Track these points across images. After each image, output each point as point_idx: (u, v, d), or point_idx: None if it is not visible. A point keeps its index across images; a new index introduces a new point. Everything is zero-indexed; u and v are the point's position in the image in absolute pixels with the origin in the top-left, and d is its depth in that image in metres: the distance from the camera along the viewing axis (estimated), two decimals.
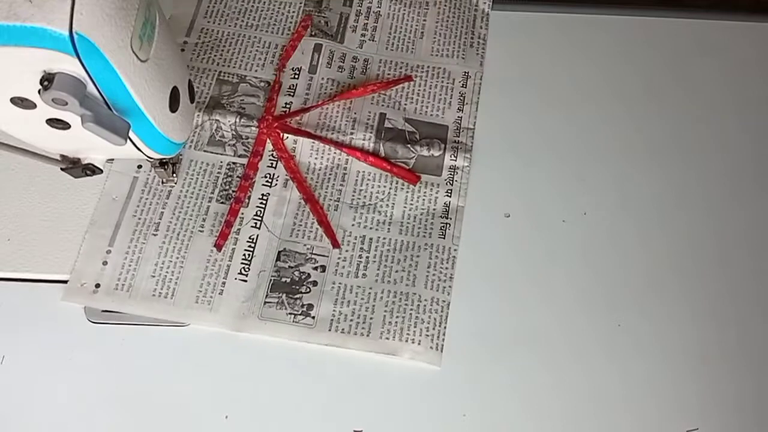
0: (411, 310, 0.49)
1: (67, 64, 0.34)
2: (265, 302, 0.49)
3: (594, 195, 0.55)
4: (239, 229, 0.51)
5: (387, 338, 0.49)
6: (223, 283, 0.50)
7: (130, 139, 0.42)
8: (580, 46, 0.61)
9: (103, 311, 0.49)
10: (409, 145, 0.55)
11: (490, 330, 0.50)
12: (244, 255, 0.51)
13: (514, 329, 0.50)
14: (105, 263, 0.49)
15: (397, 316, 0.49)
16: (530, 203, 0.54)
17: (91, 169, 0.45)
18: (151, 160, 0.47)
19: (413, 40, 0.60)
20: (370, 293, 0.50)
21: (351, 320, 0.49)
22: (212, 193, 0.52)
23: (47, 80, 0.34)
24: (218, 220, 0.52)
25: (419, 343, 0.49)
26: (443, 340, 0.49)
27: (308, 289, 0.50)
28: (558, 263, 0.52)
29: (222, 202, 0.52)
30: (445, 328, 0.49)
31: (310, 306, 0.49)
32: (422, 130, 0.56)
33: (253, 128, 0.55)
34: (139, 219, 0.51)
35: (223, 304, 0.49)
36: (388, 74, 0.58)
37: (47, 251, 0.50)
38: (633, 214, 0.54)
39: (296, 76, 0.57)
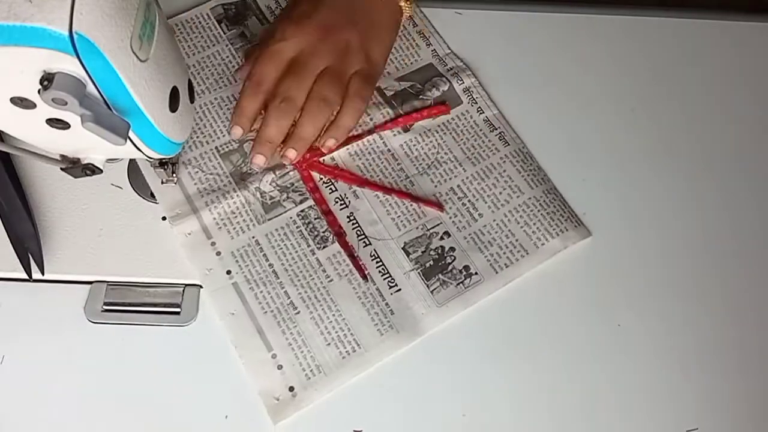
0: (536, 210, 0.53)
1: (67, 64, 0.34)
2: (432, 291, 0.50)
3: (594, 195, 0.55)
4: (358, 256, 0.51)
5: (543, 242, 0.52)
6: (386, 303, 0.49)
7: (130, 139, 0.42)
8: (579, 46, 0.61)
9: (103, 311, 0.49)
10: (421, 96, 0.57)
11: (489, 330, 0.50)
12: (380, 271, 0.50)
13: (514, 329, 0.50)
14: (280, 367, 0.47)
15: (533, 222, 0.52)
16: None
17: (91, 169, 0.45)
18: (151, 160, 0.47)
19: None
20: (498, 223, 0.52)
21: (505, 253, 0.51)
22: (309, 246, 0.51)
23: (47, 80, 0.34)
24: (336, 262, 0.51)
25: (564, 230, 0.52)
26: (578, 216, 0.53)
27: (453, 257, 0.51)
28: (557, 263, 0.52)
29: (325, 247, 0.51)
30: (566, 205, 0.54)
31: (466, 267, 0.51)
32: (416, 79, 0.58)
33: (292, 172, 0.54)
34: (272, 311, 0.49)
35: (402, 319, 0.49)
36: None
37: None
38: (632, 214, 0.54)
39: None
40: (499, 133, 0.56)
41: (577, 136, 0.57)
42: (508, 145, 0.55)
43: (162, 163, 0.50)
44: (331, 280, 0.50)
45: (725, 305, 0.52)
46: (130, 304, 0.50)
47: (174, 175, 0.52)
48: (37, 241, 0.49)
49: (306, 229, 0.52)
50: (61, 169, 0.45)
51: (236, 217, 0.52)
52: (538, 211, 0.53)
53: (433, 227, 0.52)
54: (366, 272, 0.50)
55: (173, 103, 0.43)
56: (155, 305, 0.50)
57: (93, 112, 0.36)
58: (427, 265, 0.51)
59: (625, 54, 0.61)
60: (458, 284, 0.50)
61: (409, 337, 0.49)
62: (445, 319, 0.49)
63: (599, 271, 0.52)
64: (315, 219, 0.52)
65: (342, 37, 0.52)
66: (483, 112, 0.57)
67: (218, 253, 0.51)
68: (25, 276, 0.49)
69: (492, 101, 0.57)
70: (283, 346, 0.48)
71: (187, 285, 0.50)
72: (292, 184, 0.53)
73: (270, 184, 0.53)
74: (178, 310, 0.50)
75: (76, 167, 0.45)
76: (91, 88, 0.36)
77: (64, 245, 0.51)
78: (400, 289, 0.50)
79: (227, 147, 0.54)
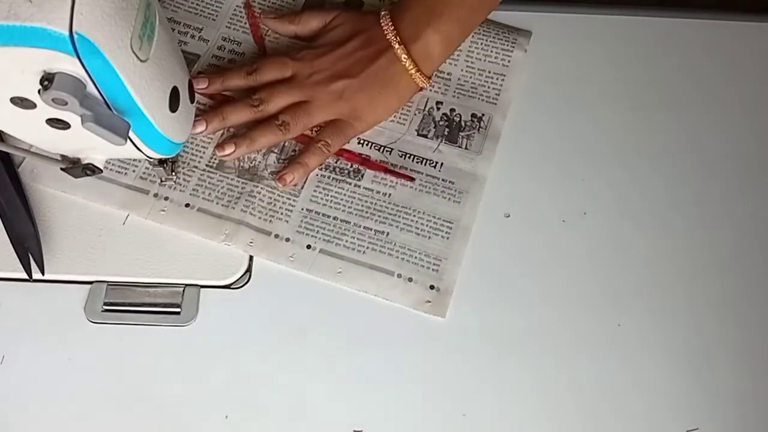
0: (488, 36, 0.60)
1: (67, 64, 0.34)
2: (465, 147, 0.55)
3: (594, 195, 0.55)
4: (391, 165, 0.55)
5: (508, 58, 0.59)
6: (442, 179, 0.54)
7: (130, 139, 0.42)
8: (579, 46, 0.61)
9: (103, 311, 0.49)
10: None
11: (489, 330, 0.50)
12: (417, 161, 0.55)
13: (514, 329, 0.50)
14: (410, 279, 0.51)
15: (491, 48, 0.59)
16: (530, 203, 0.54)
17: (91, 169, 0.45)
18: (151, 159, 0.47)
19: None
20: (467, 69, 0.59)
21: (487, 83, 0.58)
22: (349, 183, 0.54)
23: (47, 80, 0.34)
24: (380, 180, 0.54)
25: (515, 37, 0.60)
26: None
27: (458, 114, 0.57)
28: (558, 263, 0.52)
29: (362, 176, 0.54)
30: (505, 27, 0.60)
31: (473, 114, 0.57)
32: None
33: (288, 144, 0.55)
34: (367, 247, 0.52)
35: (462, 181, 0.54)
36: None
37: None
38: (633, 214, 0.54)
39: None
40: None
41: (577, 136, 0.57)
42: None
43: (161, 162, 0.50)
44: (389, 195, 0.53)
45: (726, 305, 0.51)
46: (130, 304, 0.49)
47: (173, 173, 0.52)
48: (37, 241, 0.49)
49: (336, 173, 0.54)
50: (61, 169, 0.45)
51: (275, 203, 0.53)
52: (490, 36, 0.59)
53: (426, 106, 0.57)
54: (407, 174, 0.54)
55: (173, 103, 0.43)
56: (155, 305, 0.50)
57: (93, 112, 0.36)
58: (446, 132, 0.56)
59: (625, 54, 0.61)
60: (479, 129, 0.56)
61: (478, 189, 0.54)
62: (491, 160, 0.55)
63: (599, 271, 0.52)
64: (336, 162, 0.54)
65: (332, 86, 0.54)
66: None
67: (287, 239, 0.52)
68: (25, 276, 0.49)
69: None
70: (398, 263, 0.51)
71: (187, 285, 0.50)
72: (295, 151, 0.54)
73: (278, 163, 0.54)
74: (178, 310, 0.49)
75: (76, 167, 0.45)
76: (91, 88, 0.36)
77: (64, 245, 0.51)
78: (442, 164, 0.55)
79: (215, 160, 0.54)
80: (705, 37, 0.62)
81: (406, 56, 0.53)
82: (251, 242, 0.51)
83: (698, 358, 0.50)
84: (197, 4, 0.60)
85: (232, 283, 0.51)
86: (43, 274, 0.49)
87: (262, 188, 0.53)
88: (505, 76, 0.58)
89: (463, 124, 0.56)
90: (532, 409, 0.48)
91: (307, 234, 0.52)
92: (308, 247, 0.51)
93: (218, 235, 0.51)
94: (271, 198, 0.53)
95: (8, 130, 0.41)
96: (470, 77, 0.58)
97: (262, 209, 0.52)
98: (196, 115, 0.53)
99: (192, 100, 0.47)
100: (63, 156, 0.45)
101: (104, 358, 0.48)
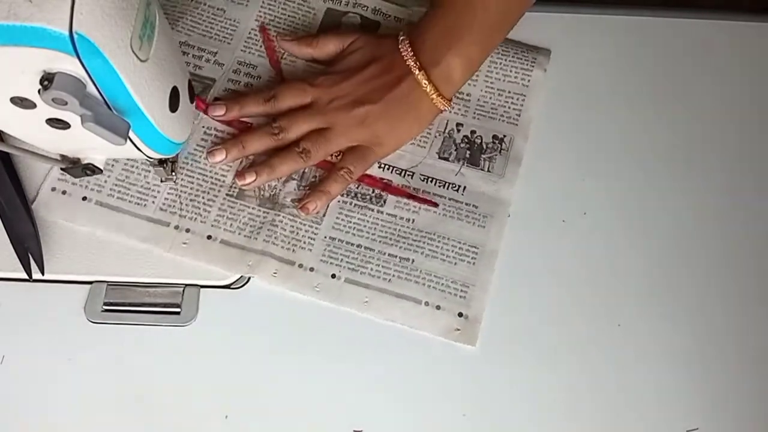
0: (507, 57, 0.60)
1: (67, 64, 0.34)
2: (487, 170, 0.55)
3: (594, 195, 0.55)
4: (413, 190, 0.55)
5: (528, 78, 0.58)
6: (465, 203, 0.54)
7: (130, 139, 0.42)
8: (579, 47, 0.61)
9: (103, 311, 0.49)
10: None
11: (489, 330, 0.50)
12: (439, 185, 0.55)
13: (513, 329, 0.50)
14: (438, 307, 0.50)
15: (509, 67, 0.59)
16: (530, 203, 0.54)
17: (91, 169, 0.45)
18: (151, 159, 0.47)
19: None
20: (486, 90, 0.58)
21: (506, 104, 0.58)
22: (371, 209, 0.53)
23: (47, 80, 0.34)
24: (402, 205, 0.53)
25: (534, 51, 0.60)
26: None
27: (479, 137, 0.56)
28: (558, 263, 0.52)
29: (384, 201, 0.54)
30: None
31: (494, 136, 0.56)
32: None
33: (308, 170, 0.54)
34: (393, 275, 0.51)
35: (486, 204, 0.54)
36: None
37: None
38: (633, 215, 0.54)
39: None
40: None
41: (577, 136, 0.57)
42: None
43: (161, 162, 0.50)
44: (412, 220, 0.53)
45: (726, 305, 0.52)
46: (130, 304, 0.49)
47: (173, 173, 0.52)
48: (37, 241, 0.49)
49: (358, 200, 0.53)
50: (61, 169, 0.45)
51: (297, 232, 0.52)
52: (509, 56, 0.59)
53: (446, 128, 0.56)
54: (430, 199, 0.53)
55: (173, 103, 0.43)
56: (155, 305, 0.50)
57: (93, 112, 0.36)
58: (467, 155, 0.55)
59: (625, 54, 0.61)
60: (500, 151, 0.55)
61: (503, 213, 0.53)
62: (514, 183, 0.54)
63: (599, 271, 0.52)
64: (357, 188, 0.54)
65: (353, 111, 0.53)
66: None
67: (311, 269, 0.51)
68: (25, 276, 0.49)
69: None
70: (425, 291, 0.50)
71: (187, 285, 0.50)
72: (315, 177, 0.54)
73: (299, 190, 0.53)
74: (178, 310, 0.49)
75: (76, 167, 0.45)
76: (91, 88, 0.36)
77: (64, 245, 0.51)
78: (465, 187, 0.54)
79: (235, 189, 0.53)
80: (705, 37, 0.62)
81: (426, 81, 0.53)
82: (275, 273, 0.50)
83: (698, 358, 0.50)
84: (211, 28, 0.59)
85: (232, 283, 0.51)
86: (43, 274, 0.49)
87: (283, 217, 0.52)
88: (525, 96, 0.57)
89: (484, 146, 0.55)
90: (531, 409, 0.48)
91: (331, 263, 0.51)
92: (333, 276, 0.51)
93: (242, 267, 0.50)
94: (293, 227, 0.52)
95: (8, 130, 0.41)
96: (490, 98, 0.57)
97: (285, 238, 0.51)
98: (215, 144, 0.53)
99: (192, 100, 0.47)
100: (63, 156, 0.45)
101: (104, 358, 0.48)
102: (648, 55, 0.61)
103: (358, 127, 0.53)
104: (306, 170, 0.54)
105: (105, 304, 0.49)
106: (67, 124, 0.39)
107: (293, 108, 0.54)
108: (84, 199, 0.51)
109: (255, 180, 0.52)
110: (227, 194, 0.53)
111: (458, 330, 0.49)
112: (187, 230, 0.51)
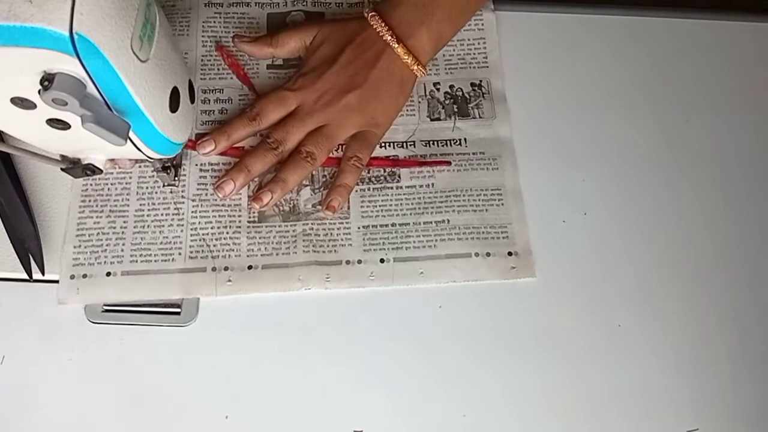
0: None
1: (67, 64, 0.34)
2: (479, 117, 0.57)
3: (594, 195, 0.55)
4: (424, 157, 0.56)
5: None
6: (478, 152, 0.56)
7: (130, 140, 0.42)
8: (579, 47, 0.61)
9: (103, 311, 0.49)
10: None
11: (489, 330, 0.50)
12: (443, 145, 0.56)
13: (513, 329, 0.50)
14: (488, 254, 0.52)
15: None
16: (530, 203, 0.54)
17: (91, 169, 0.45)
18: (151, 160, 0.47)
19: None
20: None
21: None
22: (390, 185, 0.54)
23: (47, 80, 0.34)
24: (417, 173, 0.55)
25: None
26: None
27: (458, 89, 0.58)
28: (558, 263, 0.52)
29: (399, 178, 0.54)
30: None
31: (472, 83, 0.58)
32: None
33: (318, 172, 0.54)
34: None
35: (491, 147, 0.56)
36: None
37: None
38: (633, 215, 0.54)
39: None
40: None
41: (577, 136, 0.57)
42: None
43: (164, 167, 0.50)
44: (432, 185, 0.54)
45: (726, 305, 0.52)
46: (130, 304, 0.49)
47: (176, 178, 0.52)
48: (37, 241, 0.49)
49: (374, 183, 0.54)
50: (61, 169, 0.45)
51: (331, 233, 0.52)
52: None
53: (426, 91, 0.57)
54: (440, 160, 0.55)
55: (173, 104, 0.43)
56: (155, 305, 0.50)
57: (93, 113, 0.36)
58: (455, 109, 0.57)
59: (625, 54, 0.61)
60: (483, 96, 0.57)
61: (509, 150, 0.55)
62: (508, 120, 0.56)
63: (599, 271, 0.52)
64: (369, 173, 0.54)
65: (342, 101, 0.53)
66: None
67: (359, 261, 0.51)
68: (25, 276, 0.49)
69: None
70: (470, 244, 0.52)
71: None
72: (326, 176, 0.54)
73: (315, 194, 0.53)
74: (178, 310, 0.49)
75: (76, 167, 0.45)
76: (91, 88, 0.36)
77: (64, 244, 0.50)
78: (465, 139, 0.56)
79: (254, 213, 0.52)
80: (705, 37, 0.62)
81: (404, 52, 0.53)
82: (327, 277, 0.50)
83: (698, 359, 0.50)
84: None
85: None
86: (43, 274, 0.49)
87: (312, 223, 0.52)
88: (484, 39, 0.59)
89: (467, 96, 0.57)
90: (531, 408, 0.48)
91: (374, 249, 0.51)
92: (381, 261, 0.51)
93: (294, 284, 0.50)
94: (325, 229, 0.52)
95: (8, 130, 0.41)
96: (454, 50, 0.59)
97: (322, 243, 0.51)
98: (217, 178, 0.52)
99: (192, 100, 0.47)
100: (63, 156, 0.45)
101: (104, 358, 0.48)
102: (647, 56, 0.61)
103: (352, 114, 0.53)
104: (314, 173, 0.54)
105: (105, 304, 0.49)
106: (67, 124, 0.39)
107: (283, 117, 0.54)
108: (108, 274, 0.49)
109: (271, 198, 0.52)
110: (249, 221, 0.52)
111: (514, 268, 0.51)
112: (226, 268, 0.50)
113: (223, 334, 0.49)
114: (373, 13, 0.54)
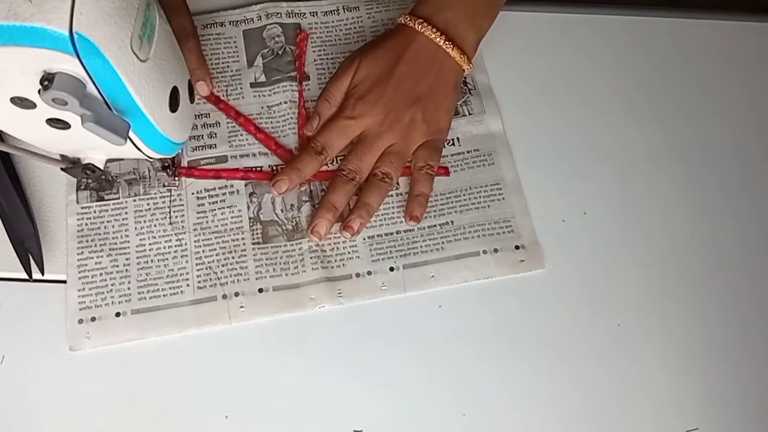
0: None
1: (67, 64, 0.34)
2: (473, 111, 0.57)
3: (594, 195, 0.55)
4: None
5: None
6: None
7: (130, 139, 0.42)
8: (579, 46, 0.61)
9: None
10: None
11: (490, 330, 0.50)
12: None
13: (513, 329, 0.50)
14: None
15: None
16: (530, 203, 0.54)
17: (92, 169, 0.45)
18: (152, 160, 0.47)
19: None
20: None
21: None
22: (396, 189, 0.54)
23: (47, 80, 0.34)
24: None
25: None
26: None
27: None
28: (558, 263, 0.52)
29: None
30: None
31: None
32: None
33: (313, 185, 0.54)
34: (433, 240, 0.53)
35: (484, 143, 0.56)
36: None
37: None
38: (633, 214, 0.54)
39: None
40: None
41: (577, 136, 0.57)
42: None
43: (164, 167, 0.50)
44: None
45: (726, 305, 0.52)
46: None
47: (176, 178, 0.52)
48: (37, 241, 0.50)
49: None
50: (61, 169, 0.45)
51: (337, 247, 0.51)
52: None
53: None
54: (445, 166, 0.55)
55: (173, 103, 0.43)
56: None
57: (93, 112, 0.36)
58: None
59: (626, 54, 0.61)
60: (470, 92, 0.57)
61: (503, 144, 0.56)
62: (498, 114, 0.56)
63: (599, 271, 0.52)
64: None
65: (407, 117, 0.53)
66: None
67: (369, 273, 0.51)
68: (25, 276, 0.49)
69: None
70: (477, 242, 0.52)
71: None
72: (315, 189, 0.53)
73: (315, 209, 0.52)
74: None
75: (76, 167, 0.45)
76: (91, 88, 0.36)
77: (64, 245, 0.51)
78: (458, 138, 0.56)
79: (258, 234, 0.51)
80: (705, 37, 0.62)
81: (459, 53, 0.53)
82: (339, 293, 0.50)
83: (698, 358, 0.50)
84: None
85: None
86: (43, 274, 0.49)
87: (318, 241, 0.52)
88: None
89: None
90: (531, 408, 0.48)
91: (383, 259, 0.51)
92: (391, 269, 0.51)
93: (307, 303, 0.50)
94: (331, 244, 0.51)
95: (8, 130, 0.41)
96: None
97: (330, 258, 0.51)
98: (310, 223, 0.51)
99: (192, 100, 0.47)
100: (63, 156, 0.45)
101: (104, 358, 0.48)
102: (648, 56, 0.61)
103: (418, 127, 0.53)
104: (312, 188, 0.53)
105: None
106: (67, 124, 0.39)
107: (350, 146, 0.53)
108: (117, 315, 0.48)
109: (360, 225, 0.51)
110: (253, 242, 0.51)
111: (522, 261, 0.51)
112: (236, 294, 0.49)
113: (223, 334, 0.49)
114: (420, 20, 0.53)
